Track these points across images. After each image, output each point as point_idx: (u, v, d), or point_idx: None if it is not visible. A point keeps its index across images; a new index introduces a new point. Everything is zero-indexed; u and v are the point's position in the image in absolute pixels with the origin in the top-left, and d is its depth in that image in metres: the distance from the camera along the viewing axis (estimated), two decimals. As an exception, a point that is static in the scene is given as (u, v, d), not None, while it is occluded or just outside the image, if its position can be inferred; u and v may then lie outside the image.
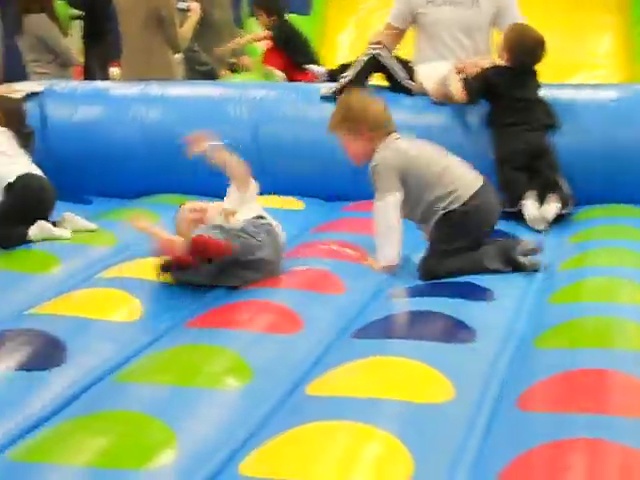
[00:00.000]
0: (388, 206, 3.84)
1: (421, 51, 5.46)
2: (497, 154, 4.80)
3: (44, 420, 2.61)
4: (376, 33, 5.63)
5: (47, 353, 2.97)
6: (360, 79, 5.26)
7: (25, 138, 4.79)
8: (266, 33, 7.86)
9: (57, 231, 4.31)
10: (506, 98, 4.82)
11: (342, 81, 5.27)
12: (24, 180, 4.40)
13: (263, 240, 3.62)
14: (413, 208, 3.89)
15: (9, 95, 5.14)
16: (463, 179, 3.87)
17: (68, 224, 4.42)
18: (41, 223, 4.29)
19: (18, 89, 5.66)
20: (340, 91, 5.05)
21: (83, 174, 5.46)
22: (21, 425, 2.56)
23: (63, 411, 2.67)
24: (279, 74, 7.47)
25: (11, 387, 2.75)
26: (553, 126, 4.84)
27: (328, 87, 5.33)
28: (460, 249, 3.78)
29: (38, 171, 4.53)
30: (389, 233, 3.84)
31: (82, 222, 4.48)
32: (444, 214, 3.81)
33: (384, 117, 3.98)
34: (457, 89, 4.92)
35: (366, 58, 5.30)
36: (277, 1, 7.96)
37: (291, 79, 7.31)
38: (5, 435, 2.50)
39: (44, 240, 4.24)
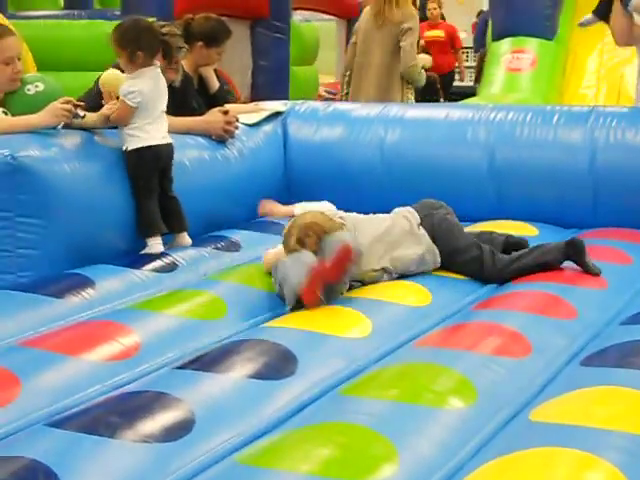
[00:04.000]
0: None
1: None
2: None
3: (272, 427, 2.70)
4: None
5: (279, 364, 3.06)
6: None
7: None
8: None
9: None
10: None
11: None
12: (138, 155, 4.44)
13: None
14: None
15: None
16: None
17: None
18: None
19: (264, 108, 5.89)
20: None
21: (321, 192, 5.59)
22: (251, 430, 2.66)
23: (290, 420, 2.75)
24: None
25: (244, 394, 2.86)
26: None
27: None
28: None
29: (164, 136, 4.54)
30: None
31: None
32: None
33: None
34: None
35: None
36: None
37: None
38: (235, 439, 2.61)
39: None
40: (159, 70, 4.51)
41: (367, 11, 7.34)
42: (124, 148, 4.45)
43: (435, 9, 13.37)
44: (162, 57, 4.58)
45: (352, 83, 7.39)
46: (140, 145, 4.43)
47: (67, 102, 4.26)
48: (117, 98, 4.44)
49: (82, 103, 4.34)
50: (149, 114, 4.44)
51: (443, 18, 14.46)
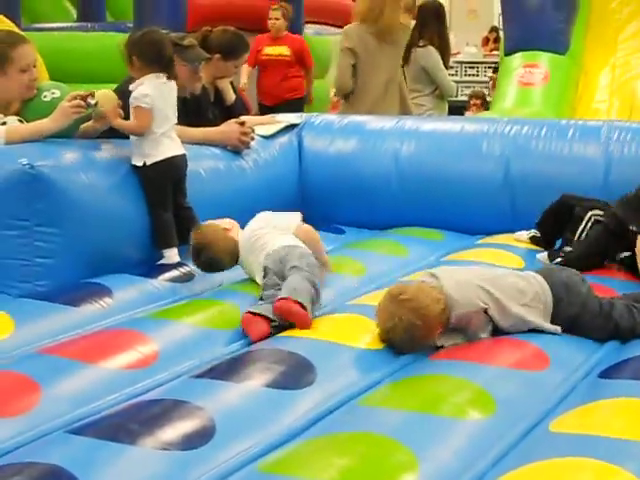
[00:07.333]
0: None
1: None
2: None
3: (292, 436, 2.70)
4: None
5: (297, 373, 3.07)
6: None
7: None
8: None
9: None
10: None
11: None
12: (155, 169, 4.44)
13: None
14: None
15: None
16: None
17: None
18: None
19: (280, 120, 5.92)
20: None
21: (337, 204, 5.63)
22: (271, 439, 2.66)
23: (310, 429, 2.75)
24: None
25: (264, 403, 2.86)
26: None
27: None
28: None
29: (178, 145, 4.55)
30: None
31: None
32: None
33: None
34: None
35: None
36: None
37: None
38: (256, 447, 2.61)
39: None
40: (165, 80, 4.46)
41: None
42: (140, 163, 4.44)
43: (278, 19, 10.16)
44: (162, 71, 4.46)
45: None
46: (159, 159, 4.43)
47: (73, 98, 4.27)
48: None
49: (90, 92, 4.34)
50: (161, 123, 4.44)
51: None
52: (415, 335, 3.31)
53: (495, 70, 13.68)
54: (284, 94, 9.98)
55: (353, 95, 6.96)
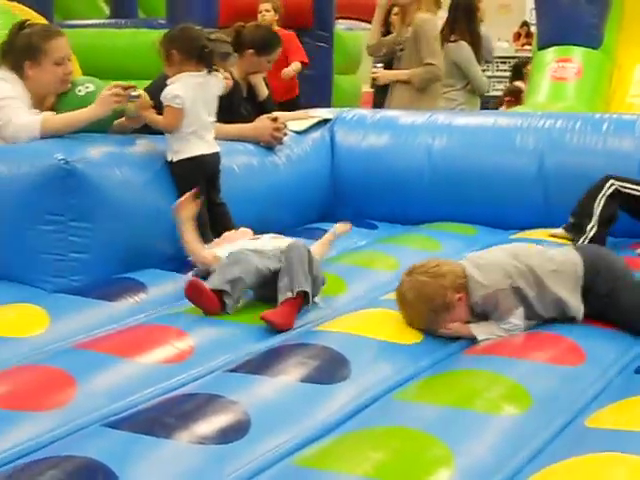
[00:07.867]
0: None
1: None
2: None
3: (327, 431, 2.70)
4: None
5: (331, 368, 3.06)
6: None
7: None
8: None
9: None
10: None
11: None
12: (182, 166, 4.44)
13: None
14: None
15: None
16: None
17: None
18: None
19: (312, 115, 5.92)
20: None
21: (369, 199, 5.62)
22: (306, 433, 2.66)
23: (345, 424, 2.75)
24: None
25: (297, 398, 2.86)
26: None
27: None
28: None
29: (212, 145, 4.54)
30: None
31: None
32: None
33: None
34: None
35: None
36: None
37: None
38: (291, 441, 2.61)
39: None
40: (204, 78, 4.45)
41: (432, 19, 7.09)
42: (169, 159, 4.46)
43: (268, 11, 9.06)
44: (202, 64, 4.46)
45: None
46: (184, 156, 4.43)
47: (114, 87, 4.28)
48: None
49: (133, 84, 4.35)
50: (191, 122, 4.43)
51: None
52: (427, 293, 3.40)
53: (517, 66, 13.56)
54: (275, 95, 9.00)
55: (435, 87, 7.00)
